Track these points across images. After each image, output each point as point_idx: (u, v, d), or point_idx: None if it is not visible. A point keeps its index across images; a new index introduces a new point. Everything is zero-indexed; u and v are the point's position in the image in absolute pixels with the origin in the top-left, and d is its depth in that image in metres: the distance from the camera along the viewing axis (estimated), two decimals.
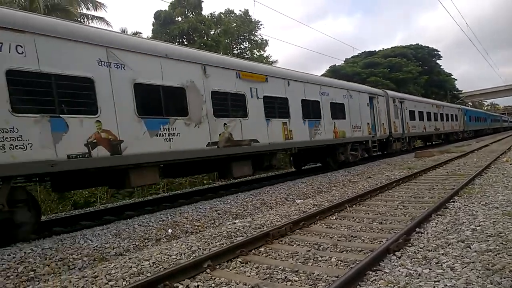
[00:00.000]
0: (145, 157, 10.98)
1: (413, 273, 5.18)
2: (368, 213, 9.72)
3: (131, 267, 6.35)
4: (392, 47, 68.76)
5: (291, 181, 17.54)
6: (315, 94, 19.40)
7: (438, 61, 74.37)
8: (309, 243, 7.29)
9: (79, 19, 28.52)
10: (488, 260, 5.35)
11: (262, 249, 7.12)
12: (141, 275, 6.05)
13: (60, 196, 17.02)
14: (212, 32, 39.21)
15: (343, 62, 63.97)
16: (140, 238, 8.91)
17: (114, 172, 10.88)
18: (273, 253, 6.89)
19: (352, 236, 7.59)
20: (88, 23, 28.98)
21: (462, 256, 5.66)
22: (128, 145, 10.45)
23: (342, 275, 5.03)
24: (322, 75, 49.25)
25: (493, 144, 35.22)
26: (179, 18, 38.01)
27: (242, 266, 6.26)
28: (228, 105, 14.10)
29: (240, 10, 50.62)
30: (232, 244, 6.95)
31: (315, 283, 5.28)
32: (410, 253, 6.07)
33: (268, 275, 5.72)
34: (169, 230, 9.52)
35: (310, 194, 14.41)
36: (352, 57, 65.71)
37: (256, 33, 45.62)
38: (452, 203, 9.71)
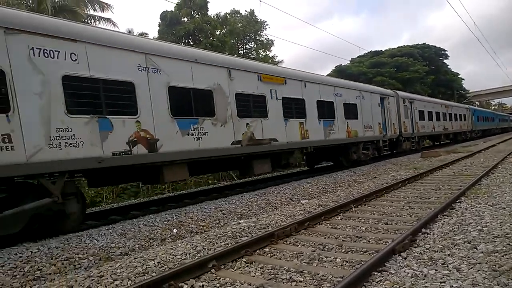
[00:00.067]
0: (177, 154, 11.88)
1: (419, 274, 5.15)
2: (374, 214, 9.69)
3: (136, 266, 6.36)
4: (398, 47, 68.64)
5: (296, 181, 17.53)
6: (329, 95, 20.08)
7: (445, 61, 74.17)
8: (314, 244, 7.27)
9: (86, 20, 28.59)
10: (495, 261, 5.31)
11: (267, 249, 7.10)
12: (146, 274, 6.05)
13: None
14: (218, 33, 39.22)
15: (349, 62, 63.84)
16: (146, 238, 8.93)
17: (149, 169, 11.72)
18: (278, 253, 6.87)
19: (357, 236, 7.56)
20: (95, 24, 29.04)
21: (468, 257, 5.62)
22: (163, 143, 11.34)
23: (347, 276, 5.01)
24: (327, 75, 49.20)
25: (500, 144, 35.07)
26: (185, 19, 38.05)
27: (247, 266, 6.25)
28: (250, 106, 14.90)
29: (245, 10, 50.78)
30: (237, 244, 6.93)
31: (320, 284, 5.26)
32: (416, 253, 6.03)
33: (272, 275, 5.70)
34: (174, 230, 9.52)
35: (315, 194, 14.38)
36: (358, 56, 65.57)
37: (261, 33, 45.67)
38: (459, 204, 9.67)
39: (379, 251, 5.97)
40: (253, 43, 45.90)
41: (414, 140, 31.82)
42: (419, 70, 59.23)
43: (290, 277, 5.54)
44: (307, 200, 12.86)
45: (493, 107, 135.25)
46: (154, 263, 6.51)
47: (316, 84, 19.18)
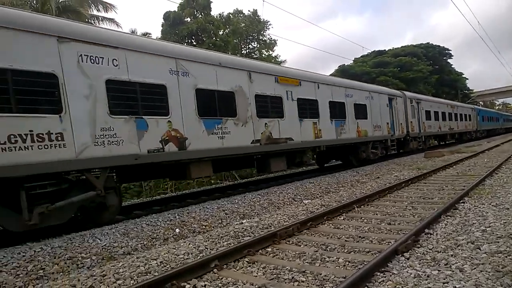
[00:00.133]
0: (204, 152, 12.73)
1: (422, 274, 5.13)
2: (377, 214, 9.67)
3: (139, 266, 6.36)
4: (402, 46, 68.60)
5: (299, 181, 17.55)
6: (340, 96, 20.91)
7: (449, 60, 74.07)
8: (317, 244, 7.25)
9: (89, 21, 28.61)
10: (498, 261, 5.28)
11: (269, 249, 7.10)
12: (148, 274, 6.05)
13: None
14: (221, 33, 39.21)
15: (353, 61, 63.79)
16: (148, 237, 8.93)
17: (177, 166, 12.64)
18: (280, 253, 6.86)
19: (360, 236, 7.54)
20: (99, 24, 29.07)
21: (471, 257, 5.59)
22: (191, 142, 12.23)
23: (349, 276, 5.00)
24: (331, 74, 49.22)
25: (504, 144, 35.03)
26: (188, 19, 38.05)
27: (249, 266, 6.24)
28: (268, 106, 15.72)
29: (248, 10, 50.75)
30: (239, 244, 6.93)
31: (322, 284, 5.25)
32: (418, 254, 6.00)
33: (275, 275, 5.69)
34: (177, 230, 9.53)
35: (318, 194, 14.36)
36: (361, 56, 65.53)
37: (264, 33, 45.68)
38: (462, 204, 9.63)
39: (382, 252, 5.96)
40: (256, 43, 45.94)
41: (420, 140, 32.41)
42: (423, 69, 59.20)
43: (293, 277, 5.53)
44: (309, 200, 12.85)
45: (497, 107, 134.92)
46: (156, 263, 6.50)
47: (329, 86, 19.97)
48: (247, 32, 43.42)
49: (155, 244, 8.65)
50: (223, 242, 7.76)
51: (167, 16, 37.57)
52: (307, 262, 6.19)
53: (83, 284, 5.76)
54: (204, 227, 9.99)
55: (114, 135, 10.05)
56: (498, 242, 6.13)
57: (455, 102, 49.92)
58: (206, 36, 37.13)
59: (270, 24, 46.73)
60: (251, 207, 12.05)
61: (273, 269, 5.94)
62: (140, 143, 10.69)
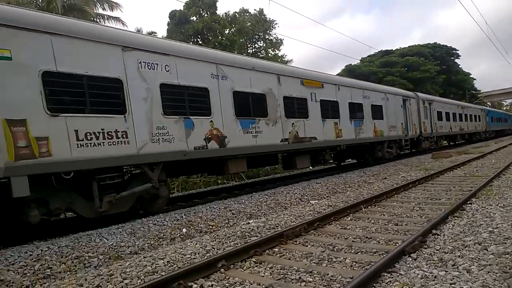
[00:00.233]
0: (240, 149, 13.90)
1: (429, 275, 5.13)
2: (384, 214, 9.66)
3: (145, 265, 6.38)
4: (409, 46, 68.28)
5: (306, 181, 17.56)
6: (359, 97, 22.08)
7: (456, 60, 73.77)
8: (324, 244, 7.26)
9: (95, 19, 28.65)
10: (506, 263, 5.27)
11: (276, 249, 7.11)
12: (155, 274, 6.08)
13: None
14: (226, 32, 39.19)
15: (359, 61, 63.65)
16: (155, 237, 8.94)
17: (216, 162, 13.79)
18: (287, 254, 6.88)
19: (367, 237, 7.55)
20: (104, 23, 29.08)
21: (478, 258, 5.58)
22: (229, 140, 13.39)
23: (356, 277, 5.00)
24: (337, 74, 49.16)
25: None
26: (194, 18, 38.04)
27: (256, 266, 6.26)
28: (295, 107, 16.82)
29: (254, 9, 50.67)
30: (246, 244, 6.95)
31: (329, 284, 5.26)
32: (426, 255, 6.00)
33: (282, 275, 5.71)
34: (184, 230, 9.54)
35: (325, 194, 14.35)
36: (368, 56, 65.36)
37: (271, 32, 45.61)
38: (469, 205, 9.61)
39: (389, 252, 5.97)
40: (262, 42, 45.88)
41: (432, 140, 33.40)
42: (430, 69, 58.95)
43: (300, 277, 5.54)
44: (316, 201, 12.85)
45: (504, 108, 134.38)
46: (163, 262, 6.53)
47: (348, 88, 21.11)
48: (253, 31, 43.33)
49: (162, 244, 8.67)
50: (230, 242, 7.78)
51: (173, 15, 37.57)
52: (314, 263, 6.20)
53: (90, 284, 5.78)
54: (211, 227, 10.01)
55: (167, 134, 11.30)
56: (506, 243, 6.11)
57: (465, 103, 50.63)
58: (212, 35, 37.12)
59: (276, 23, 46.57)
60: (258, 207, 12.07)
61: (280, 269, 5.95)
62: (187, 140, 11.92)
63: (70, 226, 10.08)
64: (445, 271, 5.20)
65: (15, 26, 8.29)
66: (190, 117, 12.09)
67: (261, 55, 42.02)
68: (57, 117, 8.79)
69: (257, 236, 8.11)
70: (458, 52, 72.98)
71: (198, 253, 7.01)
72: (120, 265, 6.57)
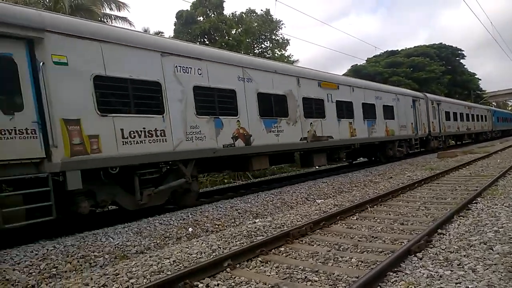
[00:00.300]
0: (263, 147, 14.75)
1: (434, 274, 5.15)
2: (390, 214, 9.69)
3: (151, 265, 6.41)
4: (415, 47, 68.17)
5: (312, 180, 17.56)
6: (372, 98, 23.06)
7: (461, 61, 73.56)
8: (330, 243, 7.29)
9: (102, 19, 28.66)
10: (511, 262, 5.29)
11: (282, 249, 7.14)
12: (161, 273, 6.10)
13: None
14: (233, 32, 39.15)
15: (365, 61, 63.54)
16: (161, 236, 8.97)
17: (241, 159, 14.48)
18: (293, 253, 6.91)
19: (373, 236, 7.57)
20: (111, 23, 29.07)
21: (484, 258, 5.60)
22: (254, 138, 14.22)
23: (362, 276, 5.03)
24: (343, 74, 49.09)
25: None
26: (201, 18, 37.97)
27: (262, 266, 6.28)
28: (313, 108, 17.66)
29: (261, 10, 50.50)
30: (252, 244, 6.98)
31: (335, 284, 5.28)
32: (431, 254, 6.02)
33: (288, 274, 5.74)
34: (190, 229, 9.57)
35: (331, 194, 14.37)
36: (374, 56, 65.19)
37: (277, 33, 45.55)
38: (475, 205, 9.62)
39: (395, 252, 5.99)
40: (268, 42, 45.82)
41: (441, 139, 34.21)
42: (436, 70, 58.80)
43: (305, 277, 5.57)
44: (322, 200, 12.88)
45: (510, 108, 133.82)
46: (169, 262, 6.56)
47: (361, 89, 22.13)
48: (259, 32, 43.26)
49: (168, 243, 8.70)
50: (236, 241, 7.82)
51: (180, 15, 37.53)
52: (320, 262, 6.22)
53: (96, 283, 5.81)
54: (217, 226, 10.04)
55: (199, 132, 12.14)
56: (511, 242, 6.12)
57: (472, 103, 51.42)
58: (219, 35, 37.09)
59: (282, 24, 46.48)
60: (264, 207, 12.09)
61: (286, 269, 5.98)
62: (217, 139, 12.73)
63: (76, 226, 10.12)
64: (451, 271, 5.22)
65: (71, 35, 9.17)
66: (220, 117, 12.93)
67: (267, 55, 41.97)
68: (106, 117, 9.70)
69: (263, 236, 8.13)
70: (463, 52, 72.79)
71: (204, 253, 7.04)
72: (126, 265, 6.60)
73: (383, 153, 25.32)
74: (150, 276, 5.98)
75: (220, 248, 7.33)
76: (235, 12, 42.27)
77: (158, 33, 35.13)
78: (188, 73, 12.01)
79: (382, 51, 64.36)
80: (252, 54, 37.30)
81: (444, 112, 35.01)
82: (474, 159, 22.13)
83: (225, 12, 38.94)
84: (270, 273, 5.91)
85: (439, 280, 4.96)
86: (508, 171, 15.43)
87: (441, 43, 70.87)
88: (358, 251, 6.76)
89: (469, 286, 4.68)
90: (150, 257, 6.92)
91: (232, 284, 5.54)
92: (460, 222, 7.99)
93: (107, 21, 29.29)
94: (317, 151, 18.32)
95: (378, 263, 5.63)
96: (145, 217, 10.61)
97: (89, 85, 9.42)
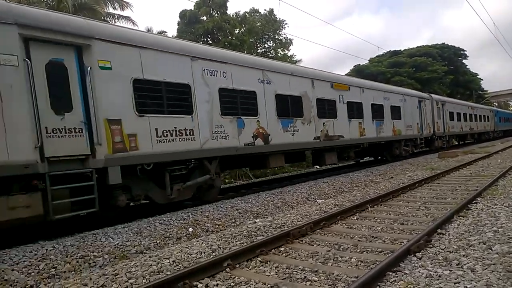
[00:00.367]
0: (281, 146, 15.51)
1: (433, 274, 5.16)
2: (390, 214, 9.70)
3: (151, 265, 6.41)
4: (417, 47, 68.16)
5: (313, 180, 17.59)
6: (380, 99, 23.87)
7: (464, 61, 73.53)
8: (330, 243, 7.30)
9: (105, 19, 28.64)
10: (510, 262, 5.30)
11: (282, 249, 7.15)
12: (161, 273, 6.11)
13: None
14: (236, 31, 39.12)
15: (368, 61, 63.52)
16: (161, 236, 8.98)
17: (259, 157, 15.20)
18: (293, 253, 6.92)
19: (373, 236, 7.58)
20: (115, 22, 29.06)
21: (483, 257, 5.62)
22: (272, 137, 14.96)
23: (361, 276, 5.05)
24: (346, 74, 49.10)
25: None
26: (204, 18, 37.95)
27: (262, 266, 6.29)
28: (326, 108, 18.41)
29: (265, 9, 50.53)
30: (252, 244, 7.00)
31: (334, 283, 5.29)
32: (430, 254, 6.04)
33: (287, 274, 5.75)
34: (190, 229, 9.58)
35: (332, 194, 14.39)
36: (377, 56, 65.17)
37: (280, 32, 45.54)
38: (475, 205, 9.63)
39: (394, 251, 6.00)
40: (271, 42, 45.80)
41: (445, 139, 34.91)
42: (438, 70, 58.75)
43: (305, 277, 5.58)
44: (323, 200, 12.89)
45: (511, 108, 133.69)
46: (169, 262, 6.56)
47: (371, 90, 22.88)
48: (263, 31, 43.21)
49: (168, 243, 8.71)
50: (236, 241, 7.82)
51: (183, 14, 37.49)
52: (319, 262, 6.24)
53: (95, 283, 5.81)
54: (217, 226, 10.05)
55: (224, 131, 12.89)
56: (510, 242, 6.14)
57: (475, 104, 52.20)
58: (222, 35, 37.07)
59: (286, 23, 46.52)
60: (265, 207, 12.11)
61: (286, 269, 5.99)
62: (239, 138, 13.48)
63: (76, 226, 10.15)
64: (450, 270, 5.23)
65: (114, 41, 10.02)
66: (242, 117, 13.69)
67: (270, 55, 41.96)
68: (143, 117, 10.53)
69: (263, 236, 8.14)
70: (465, 52, 72.80)
71: (204, 253, 7.05)
72: (126, 265, 6.60)
73: (389, 152, 25.95)
74: (150, 276, 5.99)
75: (220, 248, 7.34)
76: (239, 11, 42.22)
77: (161, 33, 35.10)
78: (214, 76, 12.76)
79: (385, 51, 64.43)
80: (255, 54, 37.29)
81: (448, 113, 35.65)
82: (474, 159, 22.15)
83: (228, 12, 38.93)
84: (269, 273, 5.92)
85: (438, 280, 4.98)
86: (508, 171, 15.44)
87: (443, 43, 70.86)
88: (358, 251, 6.78)
89: (468, 286, 4.69)
90: (150, 257, 6.92)
91: (232, 284, 5.55)
92: (459, 222, 8.01)
93: (110, 20, 29.24)
94: (329, 150, 19.03)
95: (377, 263, 5.65)
96: (145, 217, 10.62)
97: (129, 87, 10.27)
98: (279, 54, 43.38)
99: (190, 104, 11.92)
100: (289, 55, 45.38)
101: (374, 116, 22.68)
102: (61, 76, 8.99)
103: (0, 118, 7.84)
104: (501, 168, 16.70)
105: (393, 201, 11.32)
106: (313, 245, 7.34)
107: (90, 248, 7.92)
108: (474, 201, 10.02)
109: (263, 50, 44.29)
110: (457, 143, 45.46)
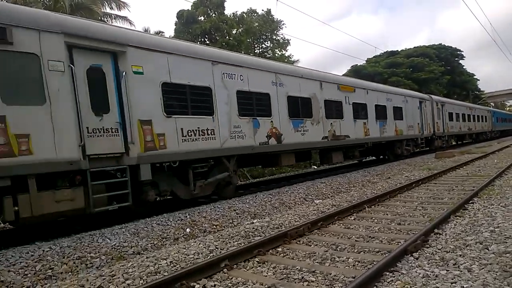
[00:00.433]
0: (292, 145, 16.26)
1: (430, 274, 5.17)
2: (387, 214, 9.72)
3: (148, 266, 6.40)
4: (414, 47, 68.22)
5: (310, 181, 17.59)
6: (383, 100, 24.77)
7: (460, 61, 73.66)
8: (327, 243, 7.31)
9: (102, 18, 28.57)
10: (506, 262, 5.31)
11: (279, 249, 7.15)
12: (158, 274, 6.10)
13: None
14: (234, 32, 39.09)
15: (365, 62, 63.58)
16: (158, 237, 8.97)
17: (273, 155, 16.04)
18: (290, 253, 6.92)
19: (370, 236, 7.60)
20: (112, 22, 28.98)
21: (479, 257, 5.62)
22: (284, 137, 15.73)
23: (358, 276, 5.06)
24: (343, 74, 49.14)
25: None
26: (202, 18, 37.91)
27: (259, 266, 6.30)
28: (333, 109, 19.19)
29: (262, 10, 50.45)
30: (250, 244, 6.99)
31: (332, 284, 5.30)
32: (427, 254, 6.05)
33: (285, 275, 5.75)
34: (187, 229, 9.58)
35: (329, 194, 14.42)
36: (374, 56, 65.26)
37: (278, 33, 45.53)
38: (471, 205, 9.67)
39: (391, 252, 6.02)
40: (269, 42, 45.79)
41: (444, 139, 35.92)
42: (435, 70, 58.89)
43: (302, 277, 5.58)
44: (320, 200, 12.90)
45: (507, 108, 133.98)
46: (166, 263, 6.55)
47: (375, 91, 23.86)
48: (260, 32, 43.22)
49: (165, 244, 8.70)
50: (233, 242, 7.82)
51: (181, 14, 37.44)
52: (317, 262, 6.25)
53: (92, 284, 5.80)
54: (215, 226, 10.05)
55: (241, 131, 13.66)
56: (507, 242, 6.15)
57: (473, 104, 53.40)
58: (220, 35, 37.05)
59: (283, 24, 46.46)
60: (262, 207, 12.11)
61: (283, 269, 5.99)
62: (255, 137, 14.25)
63: (73, 226, 10.15)
64: (446, 270, 5.24)
65: (146, 48, 10.85)
66: (257, 117, 14.45)
67: (268, 56, 41.94)
68: (170, 118, 11.32)
69: (260, 236, 8.13)
70: (462, 53, 72.91)
71: (201, 253, 7.04)
72: (123, 266, 6.60)
73: (392, 151, 26.85)
74: (147, 277, 5.97)
75: (217, 248, 7.34)
76: (236, 12, 42.19)
77: (159, 33, 35.07)
78: (232, 79, 13.54)
79: (382, 52, 64.51)
80: (253, 54, 37.30)
81: (447, 113, 36.58)
82: (471, 159, 22.25)
83: (226, 12, 38.93)
84: (267, 273, 5.92)
85: (435, 279, 4.99)
86: (505, 171, 15.53)
87: (440, 44, 70.98)
88: (355, 251, 6.79)
89: (465, 286, 4.70)
90: (147, 258, 6.91)
91: (229, 284, 5.55)
92: (456, 222, 8.03)
93: (107, 21, 29.15)
94: (336, 149, 19.84)
95: (374, 263, 5.66)
96: (142, 218, 10.61)
97: (158, 90, 11.08)
98: (276, 55, 43.36)
99: (211, 105, 12.69)
100: (286, 55, 45.38)
101: (377, 116, 23.47)
102: (100, 80, 9.82)
103: (49, 119, 8.58)
104: (498, 168, 16.76)
105: (390, 201, 11.35)
106: (310, 246, 7.34)
107: (87, 249, 7.90)
108: (470, 201, 10.05)
109: (260, 50, 44.28)
110: (455, 143, 45.75)
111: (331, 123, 18.82)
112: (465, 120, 43.38)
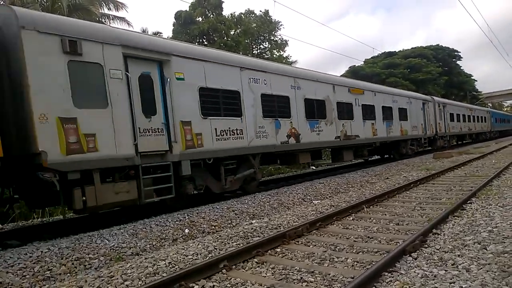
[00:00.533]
0: (309, 144, 17.25)
1: (429, 274, 5.18)
2: (385, 214, 9.74)
3: (147, 267, 6.39)
4: (412, 48, 68.43)
5: (309, 181, 17.61)
6: (390, 101, 25.84)
7: (458, 62, 73.81)
8: (326, 244, 7.32)
9: (100, 19, 28.50)
10: (504, 261, 5.33)
11: (278, 250, 7.16)
12: (157, 275, 6.10)
13: None
14: (232, 33, 39.12)
15: (363, 62, 63.67)
16: (157, 238, 8.95)
17: (291, 154, 17.09)
18: (289, 254, 6.93)
19: (368, 237, 7.61)
20: (109, 23, 28.90)
21: (478, 257, 5.64)
22: (302, 137, 16.76)
23: (357, 276, 5.07)
24: (341, 75, 49.17)
25: None
26: (200, 18, 37.96)
27: (258, 267, 6.30)
28: (344, 111, 20.28)
29: (260, 11, 50.49)
30: (249, 245, 7.00)
31: (330, 284, 5.31)
32: (426, 254, 6.06)
33: (284, 275, 5.76)
34: (186, 230, 9.57)
35: (328, 194, 14.42)
36: (372, 57, 65.40)
37: (276, 34, 45.58)
38: (469, 205, 9.69)
39: (390, 252, 6.03)
40: (267, 43, 45.84)
41: (446, 139, 37.13)
42: (432, 71, 59.09)
43: (301, 278, 5.59)
44: (319, 201, 12.91)
45: (505, 109, 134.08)
46: (165, 263, 6.54)
47: (382, 94, 24.96)
48: (258, 33, 43.28)
49: (164, 245, 8.68)
50: (232, 242, 7.81)
51: (178, 15, 37.50)
52: (316, 263, 6.26)
53: (90, 285, 5.79)
54: (213, 227, 10.04)
55: (265, 131, 14.73)
56: (505, 242, 6.17)
57: (473, 105, 54.32)
58: (218, 36, 37.10)
59: (281, 25, 46.54)
60: (261, 208, 12.10)
61: (282, 270, 6.00)
62: (276, 137, 15.29)
63: (71, 227, 10.14)
64: (445, 270, 5.26)
65: (186, 57, 11.98)
66: (278, 119, 15.49)
67: (266, 56, 41.96)
68: (206, 119, 12.41)
69: (259, 237, 8.13)
70: (460, 54, 73.29)
71: (200, 254, 7.04)
72: (121, 267, 6.58)
73: (397, 150, 27.90)
74: (145, 278, 5.97)
75: (216, 249, 7.34)
76: (234, 12, 42.25)
77: (156, 34, 35.08)
78: (257, 83, 14.61)
79: (380, 52, 64.62)
80: (251, 55, 37.34)
81: (448, 114, 37.80)
82: (469, 160, 22.27)
83: (224, 13, 38.97)
84: (266, 274, 5.92)
85: (433, 280, 5.00)
86: (502, 172, 15.53)
87: (438, 45, 71.21)
88: (354, 251, 6.80)
89: (463, 286, 4.72)
90: (146, 259, 6.89)
91: (228, 285, 5.55)
92: (454, 222, 8.04)
93: (105, 21, 29.05)
94: (347, 148, 20.95)
95: (373, 263, 5.67)
96: (141, 219, 10.60)
97: (196, 94, 12.16)
98: (274, 56, 43.40)
99: (240, 108, 13.75)
100: (284, 56, 45.42)
101: (384, 117, 24.52)
102: (149, 86, 10.92)
103: (111, 121, 9.67)
104: (496, 169, 16.79)
105: (389, 202, 11.37)
106: (309, 246, 7.35)
107: (85, 250, 7.87)
108: (469, 201, 10.07)
109: (258, 51, 44.30)
110: (455, 143, 46.13)
111: (343, 124, 19.84)
112: (465, 121, 44.35)
